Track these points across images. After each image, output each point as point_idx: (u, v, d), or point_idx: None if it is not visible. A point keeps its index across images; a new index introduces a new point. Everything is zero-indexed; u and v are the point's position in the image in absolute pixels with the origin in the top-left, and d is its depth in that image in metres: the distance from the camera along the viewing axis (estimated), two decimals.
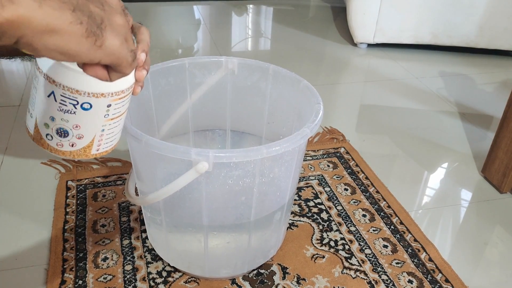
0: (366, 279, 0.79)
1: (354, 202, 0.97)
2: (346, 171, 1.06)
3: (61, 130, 0.49)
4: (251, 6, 2.21)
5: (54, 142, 0.50)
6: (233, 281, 0.78)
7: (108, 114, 0.50)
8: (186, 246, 0.76)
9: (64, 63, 0.45)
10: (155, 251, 0.81)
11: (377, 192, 1.00)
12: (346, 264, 0.82)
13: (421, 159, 1.14)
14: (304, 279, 0.79)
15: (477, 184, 1.06)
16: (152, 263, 0.80)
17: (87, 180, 0.98)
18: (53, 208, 0.90)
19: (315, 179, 1.03)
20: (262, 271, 0.80)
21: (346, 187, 1.01)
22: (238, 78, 0.85)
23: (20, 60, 0.64)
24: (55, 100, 0.47)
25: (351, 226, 0.91)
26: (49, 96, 0.47)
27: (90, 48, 0.39)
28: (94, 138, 0.51)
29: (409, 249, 0.86)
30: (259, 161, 0.63)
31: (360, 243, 0.87)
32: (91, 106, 0.48)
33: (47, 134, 0.50)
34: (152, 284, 0.76)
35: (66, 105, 0.47)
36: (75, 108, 0.47)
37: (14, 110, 1.23)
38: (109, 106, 0.49)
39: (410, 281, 0.79)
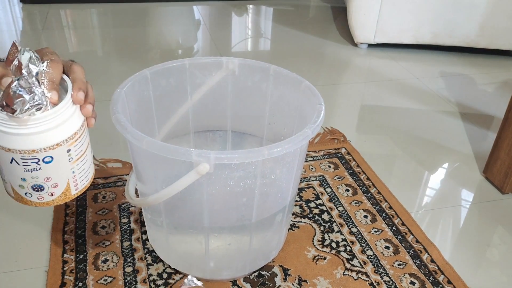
0: (368, 280, 0.79)
1: (356, 203, 0.96)
2: (347, 171, 1.06)
3: (36, 186, 0.51)
4: (251, 6, 2.21)
5: (35, 197, 0.53)
6: (234, 283, 0.77)
7: (71, 158, 0.52)
8: (187, 248, 0.75)
9: (10, 130, 0.47)
10: (155, 252, 0.81)
11: (379, 193, 0.99)
12: (348, 266, 0.82)
13: (422, 159, 1.13)
14: (305, 281, 0.78)
15: (479, 184, 1.06)
16: (153, 265, 0.80)
17: None
18: (52, 209, 0.90)
19: (316, 180, 1.03)
20: (263, 272, 0.80)
21: (347, 188, 1.01)
22: (239, 79, 0.84)
23: None
24: (18, 164, 0.49)
25: (352, 227, 0.90)
26: (11, 162, 0.49)
27: None
28: (69, 181, 0.53)
29: (411, 251, 0.85)
30: (260, 162, 0.63)
31: (362, 244, 0.86)
32: (52, 159, 0.50)
33: (25, 193, 0.52)
34: (153, 286, 0.76)
35: (29, 165, 0.49)
36: (39, 164, 0.49)
37: None
38: (69, 151, 0.51)
39: (412, 283, 0.79)
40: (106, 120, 1.19)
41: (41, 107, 0.46)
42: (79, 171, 0.54)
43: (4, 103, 0.45)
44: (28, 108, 0.45)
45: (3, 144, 0.48)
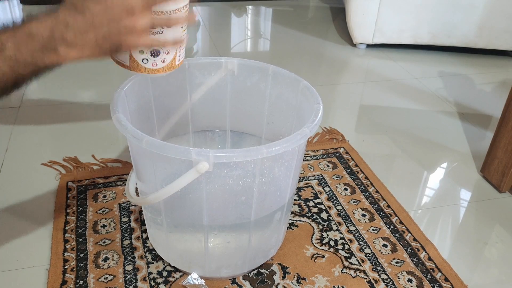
0: (366, 278, 0.80)
1: (354, 202, 0.97)
2: (346, 171, 1.07)
3: (154, 50, 0.61)
4: (250, 7, 2.21)
5: (150, 63, 0.62)
6: (234, 280, 0.78)
7: (183, 27, 0.61)
8: (187, 246, 0.76)
9: None
10: (155, 251, 0.81)
11: (377, 192, 1.00)
12: (346, 264, 0.82)
13: (421, 159, 1.14)
14: (304, 279, 0.79)
15: (476, 183, 1.07)
16: (153, 263, 0.80)
17: (87, 181, 0.98)
18: (53, 209, 0.91)
19: (314, 179, 1.03)
20: (262, 270, 0.80)
21: (345, 187, 1.02)
22: (238, 79, 0.85)
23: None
24: None
25: (350, 225, 0.91)
26: None
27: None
28: (177, 50, 0.63)
29: (408, 249, 0.86)
30: (259, 161, 0.63)
31: (360, 242, 0.87)
32: None
33: (143, 59, 0.61)
34: (153, 284, 0.76)
35: (155, 27, 0.58)
36: (162, 27, 0.58)
37: (14, 112, 1.23)
38: None
39: (409, 280, 0.80)
40: (107, 120, 1.20)
41: None
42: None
43: None
44: None
45: None
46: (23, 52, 0.51)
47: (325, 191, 1.00)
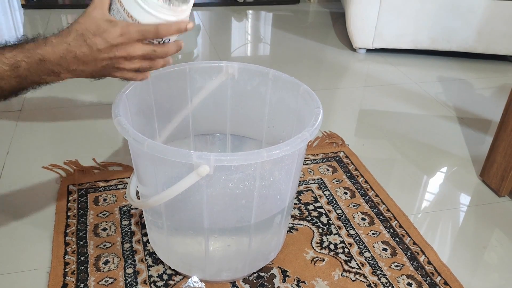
0: (366, 282, 0.80)
1: (354, 206, 0.97)
2: (346, 175, 1.07)
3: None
4: (250, 11, 2.22)
5: None
6: (234, 284, 0.78)
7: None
8: (187, 249, 0.76)
9: (162, 16, 0.61)
10: (156, 254, 0.82)
11: (376, 195, 1.01)
12: (346, 267, 0.83)
13: (420, 163, 1.14)
14: (304, 282, 0.79)
15: (476, 187, 1.07)
16: (153, 266, 0.80)
17: (88, 184, 0.99)
18: (54, 212, 0.91)
19: (314, 183, 1.04)
20: (262, 274, 0.80)
21: (345, 191, 1.02)
22: (238, 83, 0.86)
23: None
24: None
25: (350, 229, 0.91)
26: None
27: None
28: None
29: (408, 252, 0.86)
30: (259, 165, 0.64)
31: (360, 246, 0.87)
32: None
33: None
34: (153, 287, 0.77)
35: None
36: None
37: (16, 115, 1.23)
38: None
39: (409, 284, 0.80)
40: (108, 123, 1.21)
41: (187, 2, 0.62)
42: None
43: None
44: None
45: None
46: (33, 73, 0.60)
47: (325, 195, 1.00)
